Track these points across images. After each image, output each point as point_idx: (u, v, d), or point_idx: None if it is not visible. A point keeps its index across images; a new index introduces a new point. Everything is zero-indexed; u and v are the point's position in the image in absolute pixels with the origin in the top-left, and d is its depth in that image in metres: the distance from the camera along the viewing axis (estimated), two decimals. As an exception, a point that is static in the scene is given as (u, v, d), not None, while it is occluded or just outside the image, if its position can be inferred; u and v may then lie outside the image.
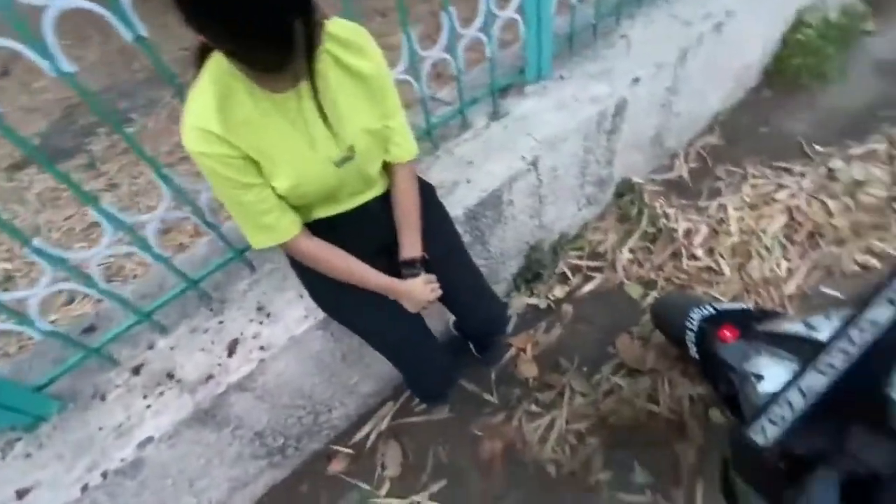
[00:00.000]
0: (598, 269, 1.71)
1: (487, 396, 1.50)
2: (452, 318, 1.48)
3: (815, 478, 0.43)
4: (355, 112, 0.78)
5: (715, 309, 1.00)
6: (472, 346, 1.50)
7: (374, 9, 3.27)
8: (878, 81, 2.11)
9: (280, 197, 0.79)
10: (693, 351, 1.00)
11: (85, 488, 0.91)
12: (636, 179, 1.81)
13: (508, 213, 1.34)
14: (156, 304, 1.04)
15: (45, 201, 2.64)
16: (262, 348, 1.04)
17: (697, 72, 1.61)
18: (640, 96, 1.44)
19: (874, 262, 1.53)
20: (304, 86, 0.70)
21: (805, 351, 0.61)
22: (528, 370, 1.52)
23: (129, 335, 1.06)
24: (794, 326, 0.69)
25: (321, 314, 1.07)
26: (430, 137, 1.28)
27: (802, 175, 1.82)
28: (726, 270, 1.61)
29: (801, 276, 1.56)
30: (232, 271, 1.17)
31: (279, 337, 1.04)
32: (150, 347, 1.08)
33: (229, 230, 1.10)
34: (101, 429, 0.98)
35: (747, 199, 1.79)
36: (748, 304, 1.09)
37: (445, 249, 1.04)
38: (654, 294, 1.61)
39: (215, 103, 0.67)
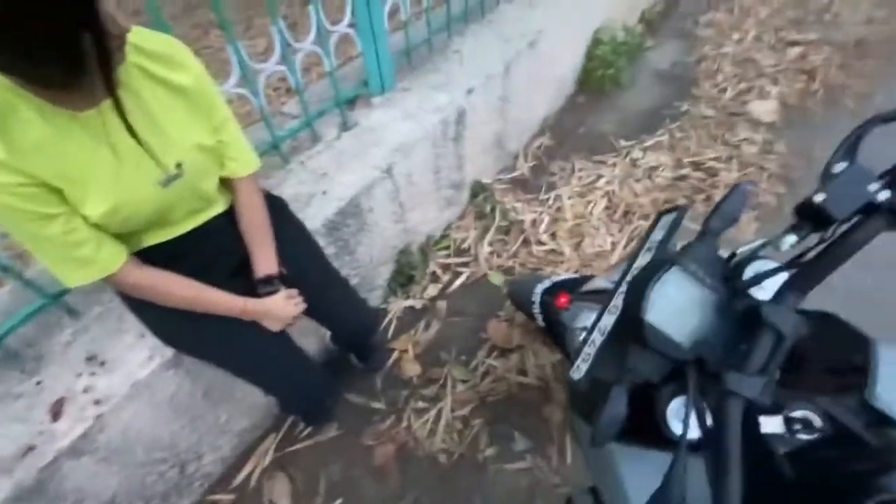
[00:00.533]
0: (465, 265, 1.85)
1: (375, 404, 1.51)
2: (328, 332, 1.46)
3: (611, 394, 0.54)
4: (181, 128, 0.74)
5: (551, 282, 1.16)
6: (353, 356, 1.50)
7: (210, 22, 3.05)
8: (658, 86, 2.66)
9: (95, 225, 0.70)
10: (539, 320, 1.15)
11: None
12: (486, 180, 2.00)
13: (371, 220, 1.38)
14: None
15: None
16: (97, 402, 0.90)
17: (522, 82, 1.85)
18: (476, 104, 1.60)
19: (669, 229, 1.93)
20: (107, 102, 0.64)
21: (605, 298, 0.75)
22: (412, 369, 1.57)
23: None
24: (602, 283, 0.85)
25: (169, 351, 0.97)
26: (278, 151, 1.25)
27: (614, 165, 2.20)
28: (566, 250, 1.86)
29: (621, 248, 1.88)
30: (49, 321, 0.99)
31: (119, 386, 0.92)
32: (-65, 432, 0.86)
33: (37, 274, 0.94)
34: None
35: (576, 189, 2.10)
36: (577, 274, 1.28)
37: (305, 262, 1.03)
38: (512, 279, 1.79)
39: (13, 128, 0.57)
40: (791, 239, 0.52)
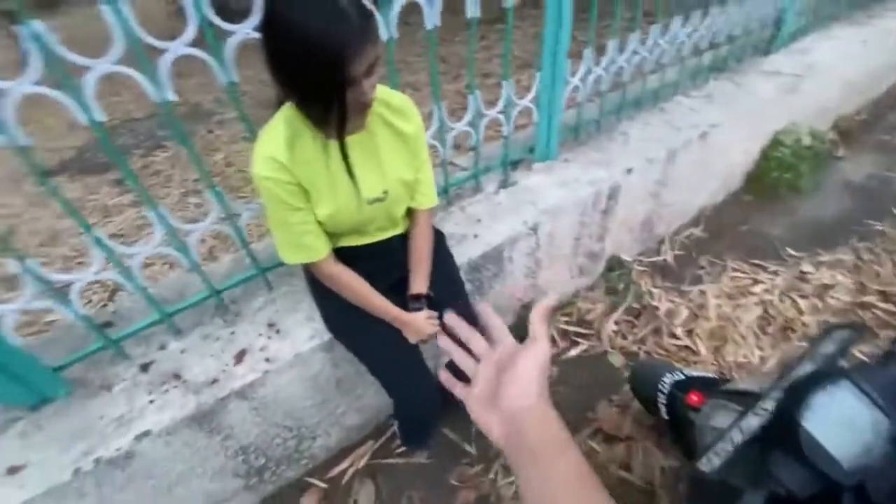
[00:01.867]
0: (585, 336, 1.81)
1: (467, 447, 1.53)
2: (443, 359, 1.56)
3: (744, 498, 0.52)
4: (395, 164, 0.95)
5: (685, 375, 1.10)
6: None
7: (406, 83, 3.66)
8: (846, 199, 2.35)
9: (318, 223, 0.92)
10: (663, 412, 1.08)
11: (76, 472, 0.94)
12: (625, 258, 1.97)
13: (507, 269, 1.48)
14: (179, 307, 1.13)
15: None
16: (267, 360, 1.11)
17: (685, 170, 1.83)
18: (632, 184, 1.64)
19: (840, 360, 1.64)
20: (357, 136, 0.87)
21: (750, 402, 0.71)
22: (510, 424, 1.57)
23: (143, 335, 1.15)
24: (748, 385, 0.80)
25: (327, 337, 1.16)
26: (446, 195, 1.44)
27: (776, 274, 1.98)
28: (703, 351, 1.71)
29: (771, 364, 1.66)
30: (250, 288, 1.27)
31: (285, 352, 1.13)
32: (162, 348, 1.16)
33: (256, 250, 1.22)
34: (101, 418, 1.03)
35: (726, 290, 1.93)
36: (714, 374, 1.18)
37: (448, 291, 1.16)
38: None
39: (285, 140, 0.82)
40: None
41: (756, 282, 1.96)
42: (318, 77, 0.69)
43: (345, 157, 0.83)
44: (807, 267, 2.00)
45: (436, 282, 1.12)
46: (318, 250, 0.94)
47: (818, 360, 0.62)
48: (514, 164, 1.61)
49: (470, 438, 1.54)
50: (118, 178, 3.06)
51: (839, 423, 0.49)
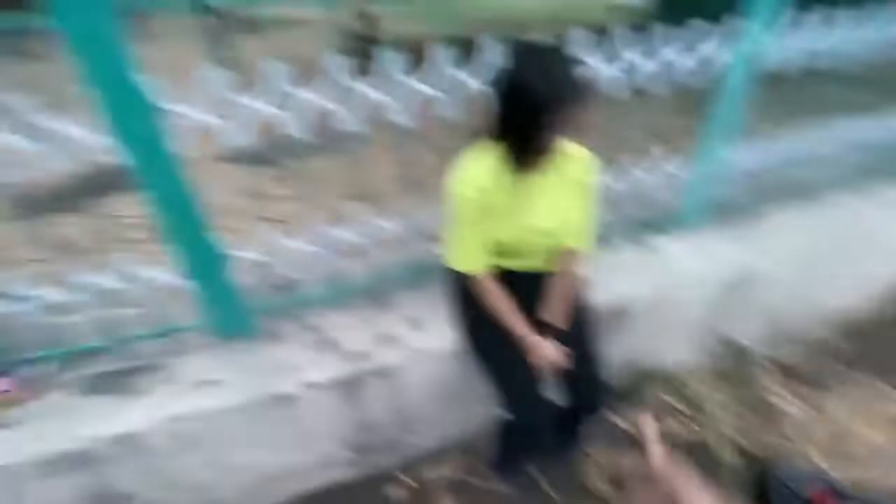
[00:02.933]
0: (690, 419, 1.73)
1: (551, 492, 1.52)
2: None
3: None
4: (568, 206, 1.10)
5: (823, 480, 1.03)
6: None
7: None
8: None
9: (487, 241, 1.09)
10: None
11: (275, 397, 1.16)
12: (749, 345, 1.87)
13: (626, 326, 1.52)
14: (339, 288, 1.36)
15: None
16: (410, 349, 1.29)
17: (828, 268, 1.74)
18: (765, 269, 1.61)
19: None
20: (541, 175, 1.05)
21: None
22: (599, 488, 1.53)
23: (317, 306, 1.39)
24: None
25: (459, 344, 1.30)
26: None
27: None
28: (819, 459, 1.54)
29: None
30: (403, 283, 1.47)
31: (426, 345, 1.29)
32: (326, 319, 1.38)
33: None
34: (276, 361, 1.26)
35: (863, 407, 1.73)
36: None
37: (580, 333, 1.24)
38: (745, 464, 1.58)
39: (487, 169, 1.02)
40: None
41: (890, 405, 1.73)
42: (547, 116, 0.88)
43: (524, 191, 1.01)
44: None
45: (572, 322, 1.22)
46: (478, 262, 1.11)
47: None
48: (654, 228, 1.68)
49: (557, 485, 1.54)
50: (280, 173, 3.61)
51: None
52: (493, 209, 1.05)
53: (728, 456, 1.60)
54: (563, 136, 0.92)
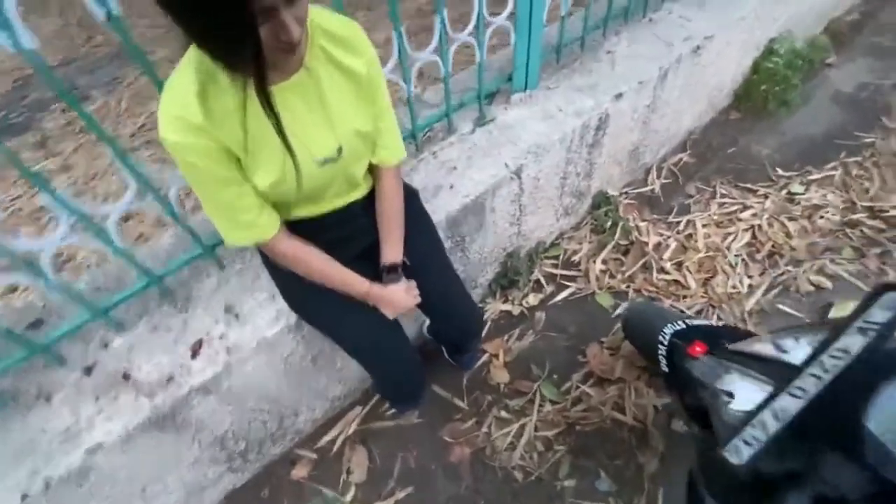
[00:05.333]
0: (572, 279, 1.74)
1: (458, 402, 1.49)
2: (427, 321, 1.47)
3: (787, 499, 0.44)
4: (346, 113, 0.75)
5: (686, 324, 1.03)
6: (444, 350, 1.49)
7: (358, 1, 3.21)
8: (836, 111, 2.24)
9: (259, 194, 0.75)
10: (663, 364, 1.03)
11: (24, 497, 0.84)
12: (612, 192, 1.85)
13: (490, 220, 1.34)
14: (114, 301, 0.97)
15: (-11, 179, 2.43)
16: (229, 350, 0.99)
17: (676, 91, 1.66)
18: (622, 112, 1.47)
19: (827, 283, 1.63)
20: (286, 81, 0.67)
21: (776, 373, 0.63)
22: (500, 376, 1.53)
23: (81, 334, 0.99)
24: (764, 347, 0.72)
25: (294, 316, 1.03)
26: (414, 140, 1.25)
27: (765, 196, 1.91)
28: (692, 284, 1.66)
29: (760, 293, 1.63)
30: (199, 268, 1.11)
31: (248, 339, 1.00)
32: (105, 346, 1.01)
33: (198, 223, 1.04)
34: (44, 432, 0.91)
35: (714, 217, 1.86)
36: (717, 322, 1.12)
37: (427, 255, 1.02)
38: (624, 305, 1.64)
39: (196, 90, 0.63)
40: None
41: (745, 207, 1.88)
42: (217, 8, 0.49)
43: (271, 111, 0.63)
44: (796, 187, 1.93)
45: (411, 247, 0.98)
46: (265, 228, 0.78)
47: (869, 331, 0.53)
48: (490, 97, 1.41)
49: (461, 393, 1.50)
50: (40, 139, 2.68)
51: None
52: (238, 149, 0.69)
53: (608, 303, 1.66)
54: (277, 11, 0.54)
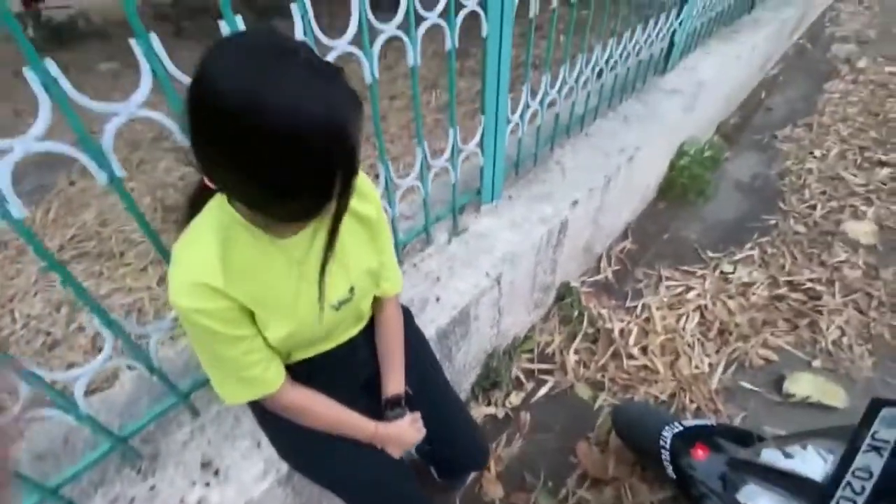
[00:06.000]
0: (549, 372, 1.76)
1: (456, 526, 1.37)
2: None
3: None
4: (359, 254, 0.76)
5: (682, 426, 1.06)
6: (433, 469, 1.40)
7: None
8: (741, 198, 2.62)
9: (268, 345, 0.71)
10: (669, 470, 1.03)
11: None
12: (573, 283, 1.96)
13: (474, 327, 1.35)
14: (63, 478, 0.82)
15: None
16: (212, 516, 0.85)
17: (617, 192, 1.87)
18: (577, 215, 1.62)
19: (774, 355, 1.78)
20: (313, 229, 0.68)
21: (797, 487, 0.65)
22: (494, 490, 1.44)
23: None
24: (774, 457, 0.75)
25: (283, 465, 0.92)
26: (397, 254, 1.27)
27: (703, 278, 2.12)
28: (661, 369, 1.74)
29: (720, 372, 1.74)
30: (168, 417, 0.98)
31: (233, 502, 0.87)
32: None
33: (165, 361, 0.95)
34: None
35: (665, 300, 2.01)
36: (710, 420, 1.17)
37: (428, 381, 0.99)
38: (603, 396, 1.67)
39: (218, 253, 0.60)
40: None
41: (688, 288, 2.07)
42: (315, 163, 0.50)
43: (324, 259, 0.64)
44: (726, 267, 2.17)
45: (412, 373, 0.95)
46: (271, 382, 0.72)
47: (882, 448, 0.58)
48: (461, 209, 1.49)
49: (456, 517, 1.39)
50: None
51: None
52: (255, 304, 0.66)
53: (587, 395, 1.68)
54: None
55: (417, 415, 0.92)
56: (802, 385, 1.65)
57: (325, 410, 0.80)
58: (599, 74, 1.75)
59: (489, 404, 1.65)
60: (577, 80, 1.61)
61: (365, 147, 3.17)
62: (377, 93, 0.98)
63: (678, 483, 1.02)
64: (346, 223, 0.74)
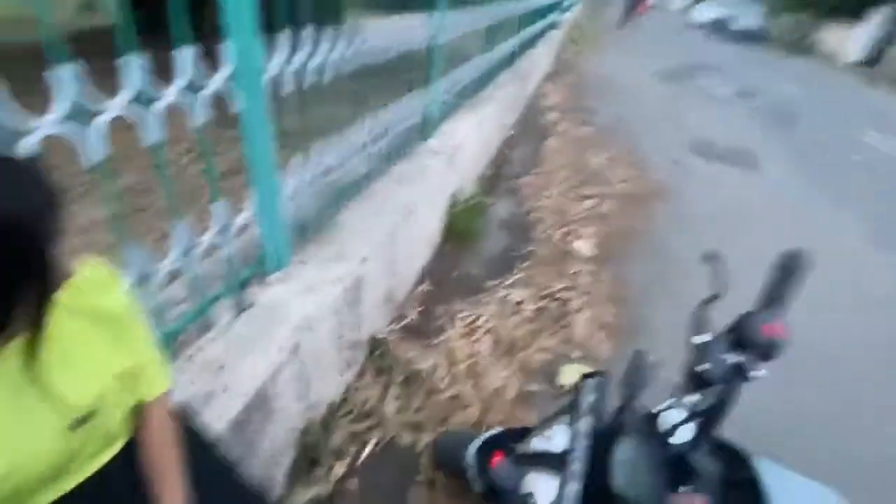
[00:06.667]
0: (371, 429, 1.75)
1: None
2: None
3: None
4: (100, 359, 0.64)
5: (482, 440, 1.20)
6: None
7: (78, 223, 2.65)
8: (505, 234, 3.20)
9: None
10: (477, 486, 1.14)
11: None
12: (380, 335, 2.03)
13: (276, 406, 1.26)
14: None
15: None
16: None
17: (404, 244, 2.06)
18: (370, 270, 1.71)
19: (547, 355, 2.19)
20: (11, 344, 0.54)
21: (556, 463, 0.82)
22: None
23: None
24: (539, 443, 0.92)
25: None
26: (168, 348, 1.11)
27: (489, 303, 2.47)
28: (468, 393, 1.93)
29: (515, 382, 2.04)
30: None
31: None
32: None
33: None
34: None
35: (461, 330, 2.27)
36: (500, 427, 1.33)
37: (214, 493, 0.87)
38: (425, 437, 1.74)
39: None
40: (693, 398, 0.69)
41: (479, 316, 2.38)
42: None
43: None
44: (503, 291, 2.59)
45: (198, 489, 0.82)
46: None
47: (587, 412, 0.78)
48: (244, 283, 1.40)
49: None
50: None
51: (633, 470, 0.62)
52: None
53: (409, 440, 1.73)
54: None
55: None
56: (568, 375, 2.06)
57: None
58: (375, 140, 1.95)
59: (310, 485, 1.53)
60: (349, 150, 1.75)
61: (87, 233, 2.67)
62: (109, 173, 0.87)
63: (487, 495, 1.13)
64: (78, 326, 0.63)
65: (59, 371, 0.59)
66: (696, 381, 0.67)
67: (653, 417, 0.74)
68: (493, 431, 1.23)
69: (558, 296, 2.60)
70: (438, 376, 1.98)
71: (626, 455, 0.62)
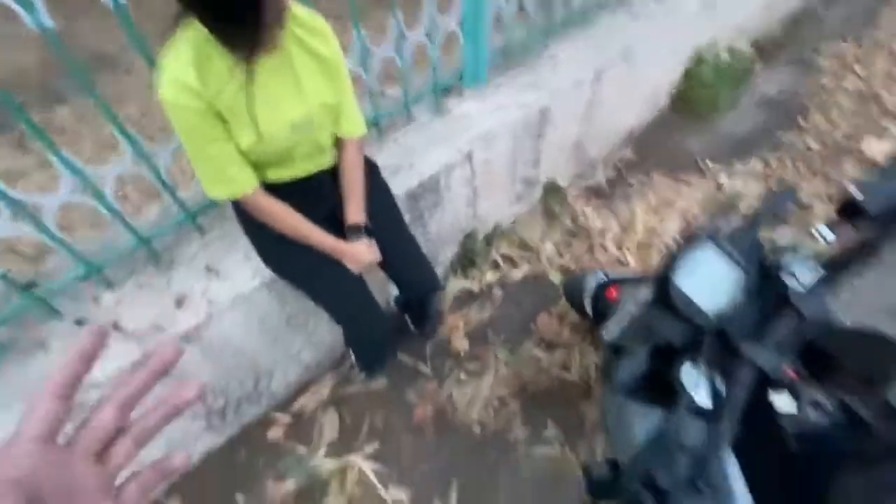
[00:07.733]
0: (526, 259, 1.92)
1: (422, 368, 1.64)
2: (393, 294, 1.62)
3: (637, 352, 0.61)
4: (314, 87, 0.92)
5: (606, 276, 1.21)
6: (409, 320, 1.64)
7: (325, 11, 3.37)
8: (761, 113, 2.53)
9: (241, 154, 0.90)
10: (589, 311, 1.20)
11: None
12: (560, 182, 2.05)
13: (446, 197, 1.51)
14: (108, 257, 1.09)
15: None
16: (210, 302, 1.12)
17: (612, 91, 1.89)
18: (562, 106, 1.68)
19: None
20: (273, 57, 0.84)
21: (642, 281, 0.81)
22: (460, 344, 1.68)
23: (72, 292, 1.10)
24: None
25: (269, 275, 1.16)
26: (376, 127, 1.42)
27: (696, 186, 2.15)
28: (632, 262, 1.87)
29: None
30: (182, 235, 1.24)
31: (227, 293, 1.13)
32: (95, 301, 1.12)
33: (182, 196, 1.18)
34: (42, 378, 1.01)
35: (652, 204, 2.08)
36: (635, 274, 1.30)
37: (386, 220, 1.18)
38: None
39: (193, 61, 0.78)
40: (825, 231, 0.56)
41: (678, 195, 2.12)
42: None
43: (250, 79, 0.80)
44: (722, 178, 2.18)
45: (372, 213, 1.14)
46: (245, 183, 0.93)
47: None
48: (446, 92, 1.59)
49: (424, 359, 1.65)
50: (19, 139, 2.74)
51: (705, 278, 0.58)
52: (227, 113, 0.84)
53: (557, 280, 1.84)
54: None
55: (373, 241, 1.12)
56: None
57: (291, 218, 1.00)
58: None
59: (466, 279, 1.85)
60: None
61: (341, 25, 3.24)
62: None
63: (595, 322, 1.19)
64: (301, 57, 0.90)
65: (289, 87, 0.88)
66: (848, 212, 0.53)
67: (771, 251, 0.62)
68: (623, 273, 1.22)
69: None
70: (607, 238, 1.95)
71: (702, 259, 0.57)
